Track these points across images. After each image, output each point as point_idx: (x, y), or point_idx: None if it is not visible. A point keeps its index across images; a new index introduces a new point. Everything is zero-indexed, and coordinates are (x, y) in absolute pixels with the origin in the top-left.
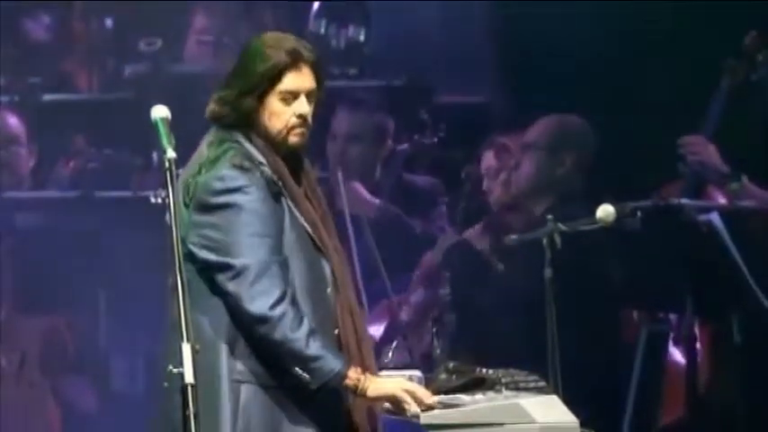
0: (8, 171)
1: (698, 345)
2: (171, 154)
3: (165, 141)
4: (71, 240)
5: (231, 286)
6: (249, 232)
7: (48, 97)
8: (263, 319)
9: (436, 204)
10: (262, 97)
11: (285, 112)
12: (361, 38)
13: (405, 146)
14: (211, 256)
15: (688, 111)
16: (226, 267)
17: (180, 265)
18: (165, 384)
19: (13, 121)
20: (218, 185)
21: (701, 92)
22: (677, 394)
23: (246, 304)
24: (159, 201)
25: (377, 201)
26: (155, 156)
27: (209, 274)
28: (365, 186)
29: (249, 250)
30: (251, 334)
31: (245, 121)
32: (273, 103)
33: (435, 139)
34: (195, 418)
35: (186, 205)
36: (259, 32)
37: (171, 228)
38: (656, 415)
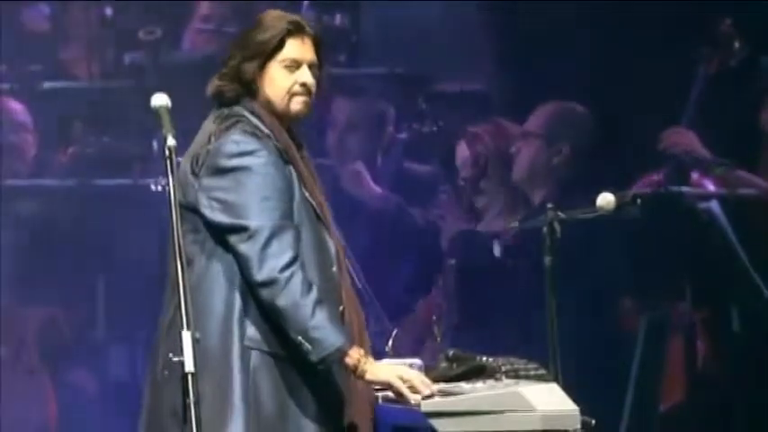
0: (17, 157)
1: (697, 332)
2: (171, 142)
3: (165, 129)
4: (70, 228)
5: (243, 248)
6: (263, 195)
7: (47, 85)
8: (270, 281)
9: (437, 193)
10: (264, 65)
11: (288, 79)
12: (348, 25)
13: (403, 134)
14: (225, 218)
15: (687, 100)
16: (239, 229)
17: (181, 253)
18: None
19: (19, 107)
20: (233, 148)
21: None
22: (677, 381)
23: (256, 266)
24: (160, 189)
25: (378, 189)
26: (155, 144)
27: (222, 239)
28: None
29: (262, 212)
30: (259, 298)
31: (246, 91)
32: (276, 70)
33: (435, 128)
34: (196, 406)
35: (195, 173)
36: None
37: (171, 215)
38: (656, 402)
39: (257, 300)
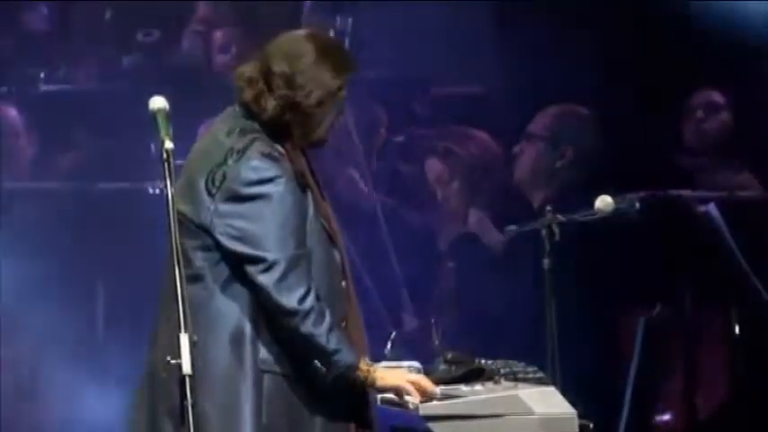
0: (7, 163)
1: (695, 335)
2: (169, 145)
3: (163, 132)
4: (69, 231)
5: (261, 279)
6: (279, 224)
7: (46, 88)
8: (292, 313)
9: (433, 195)
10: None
11: (334, 113)
12: (348, 28)
13: (400, 137)
14: (241, 248)
15: (687, 102)
16: (256, 260)
17: (178, 255)
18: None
19: (11, 113)
20: (252, 176)
21: (699, 81)
22: (675, 384)
23: (276, 298)
24: (157, 192)
25: (373, 194)
26: (153, 147)
27: (235, 262)
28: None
29: (279, 243)
30: (276, 325)
31: (289, 119)
32: (332, 106)
33: (431, 131)
34: (193, 408)
35: (210, 194)
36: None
37: (169, 218)
38: (655, 405)
39: (268, 323)
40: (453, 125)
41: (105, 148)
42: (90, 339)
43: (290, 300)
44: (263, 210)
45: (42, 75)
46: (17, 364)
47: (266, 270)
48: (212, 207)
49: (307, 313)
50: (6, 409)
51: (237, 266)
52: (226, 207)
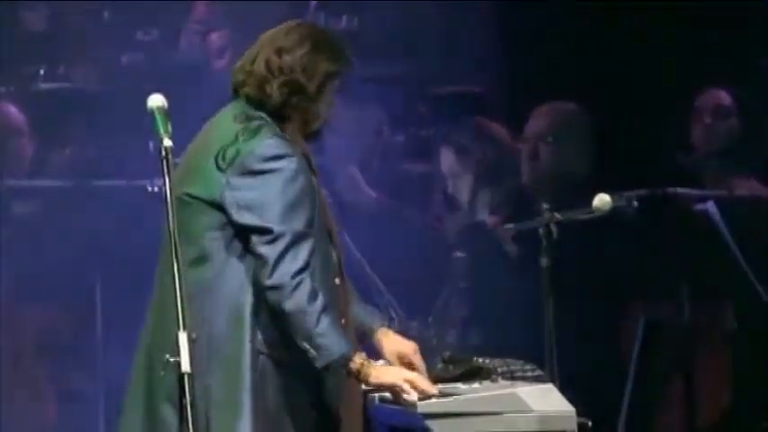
0: (11, 162)
1: (694, 333)
2: (167, 142)
3: (161, 130)
4: (67, 229)
5: (262, 249)
6: (290, 200)
7: (44, 86)
8: (279, 286)
9: (435, 194)
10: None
11: (331, 103)
12: (355, 27)
13: (401, 137)
14: (250, 219)
15: (688, 99)
16: (263, 231)
17: (177, 254)
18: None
19: (14, 111)
20: (266, 152)
21: (699, 81)
22: (674, 382)
23: (269, 269)
24: (156, 189)
25: (373, 193)
26: (151, 145)
27: (244, 238)
28: (362, 177)
29: (287, 218)
30: (267, 301)
31: (294, 107)
32: (330, 95)
33: (432, 131)
34: (191, 407)
35: (221, 169)
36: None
37: (168, 215)
38: (654, 403)
39: (265, 305)
40: (465, 121)
41: (104, 146)
42: (88, 337)
43: (283, 273)
44: (274, 183)
45: (42, 72)
46: (16, 363)
47: (270, 242)
48: (224, 180)
49: (297, 287)
50: (5, 410)
51: (247, 244)
52: (238, 181)
